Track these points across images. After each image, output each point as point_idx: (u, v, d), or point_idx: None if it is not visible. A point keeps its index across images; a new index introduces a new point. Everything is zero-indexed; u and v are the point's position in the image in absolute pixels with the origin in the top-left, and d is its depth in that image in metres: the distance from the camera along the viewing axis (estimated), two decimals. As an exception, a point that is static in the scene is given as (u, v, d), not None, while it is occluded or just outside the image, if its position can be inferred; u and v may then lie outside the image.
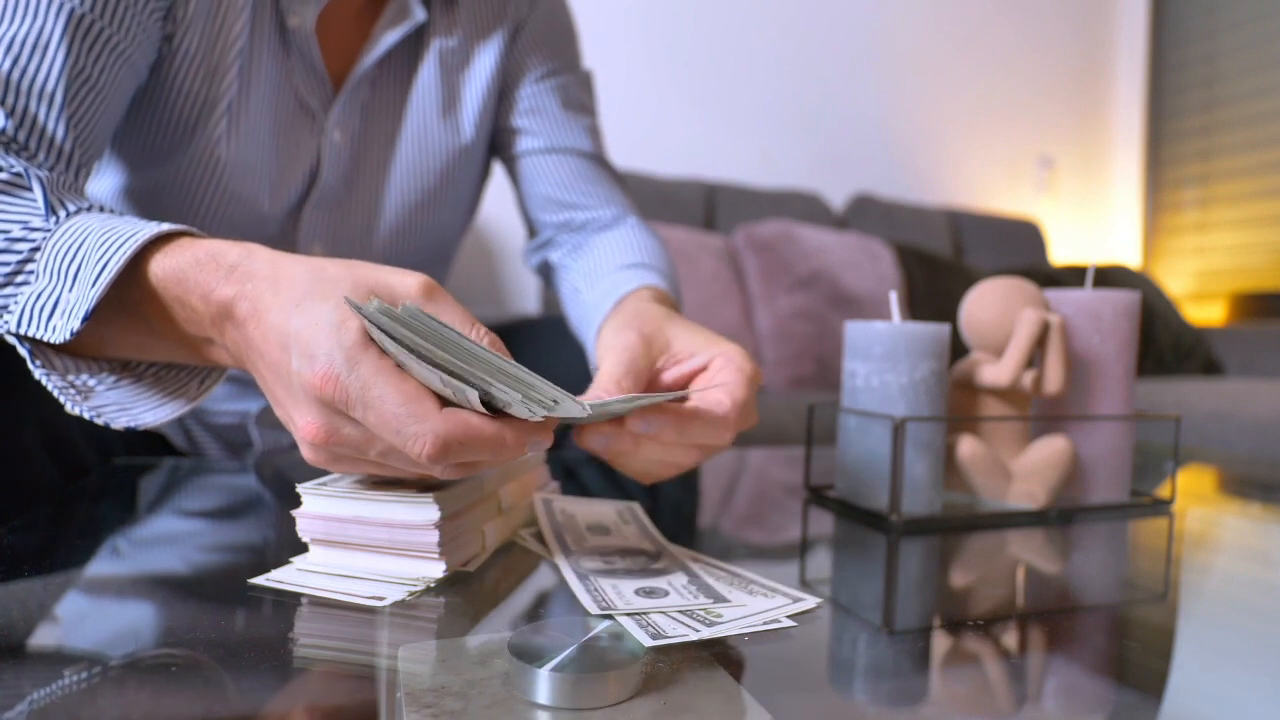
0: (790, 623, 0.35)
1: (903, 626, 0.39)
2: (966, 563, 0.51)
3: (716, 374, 0.47)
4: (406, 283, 0.37)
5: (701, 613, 0.35)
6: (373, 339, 0.34)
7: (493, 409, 0.35)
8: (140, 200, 0.69)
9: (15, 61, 0.52)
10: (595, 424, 0.42)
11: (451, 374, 0.33)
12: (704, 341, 0.50)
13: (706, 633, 0.33)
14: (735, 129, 2.47)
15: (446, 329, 0.34)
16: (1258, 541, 0.60)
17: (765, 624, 0.35)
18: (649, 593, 0.37)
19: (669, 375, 0.49)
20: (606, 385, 0.45)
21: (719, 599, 0.37)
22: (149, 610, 0.37)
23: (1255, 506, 0.72)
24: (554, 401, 0.34)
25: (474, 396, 0.33)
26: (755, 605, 0.37)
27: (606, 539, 0.46)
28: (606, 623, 0.32)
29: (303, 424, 0.35)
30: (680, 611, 0.35)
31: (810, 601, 0.38)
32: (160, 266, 0.42)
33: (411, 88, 0.75)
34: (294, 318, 0.35)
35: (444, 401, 0.34)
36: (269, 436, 0.80)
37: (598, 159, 0.83)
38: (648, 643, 0.31)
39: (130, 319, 0.44)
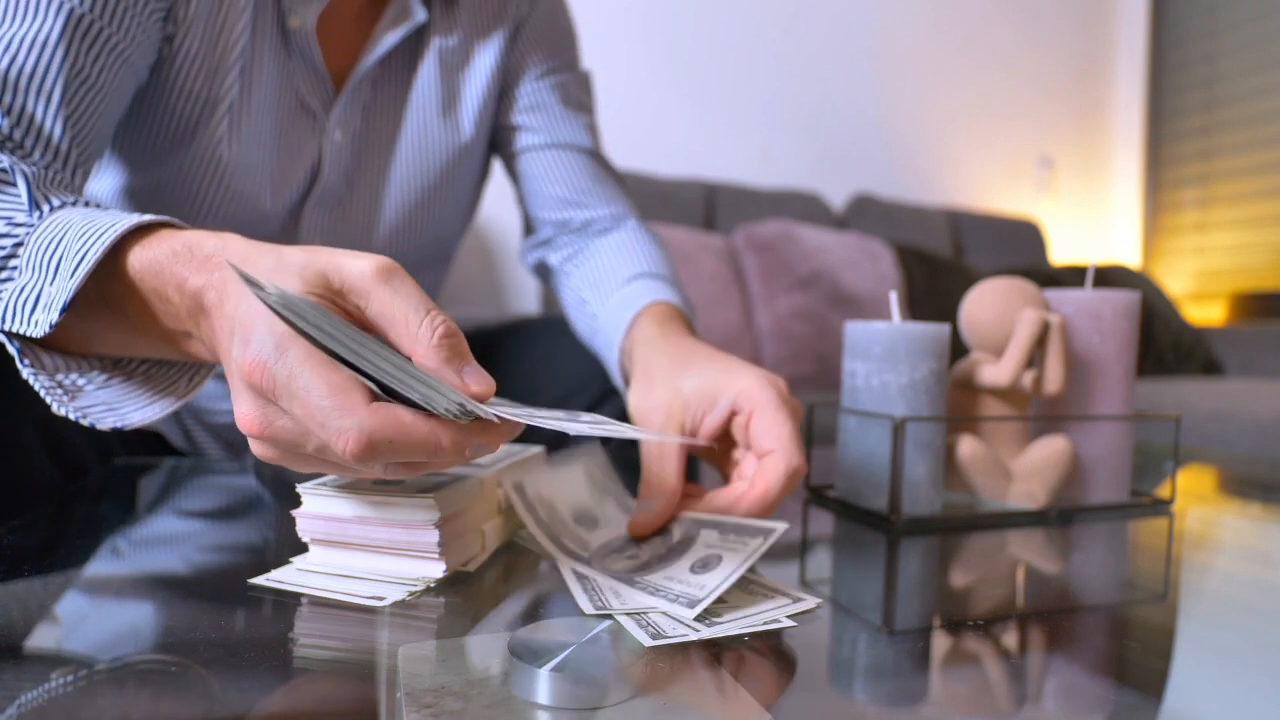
0: (790, 622, 0.35)
1: (903, 626, 0.39)
2: (966, 563, 0.51)
3: (757, 429, 0.47)
4: (360, 265, 0.35)
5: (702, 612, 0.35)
6: None
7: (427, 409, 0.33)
8: (141, 200, 0.69)
9: (14, 60, 0.52)
10: (646, 524, 0.45)
11: (348, 363, 0.32)
12: (716, 380, 0.50)
13: (706, 633, 0.33)
14: (735, 129, 2.47)
15: (351, 328, 0.33)
16: (1258, 541, 0.60)
17: (765, 624, 0.35)
18: (704, 565, 0.38)
19: (704, 430, 0.50)
20: (663, 490, 0.46)
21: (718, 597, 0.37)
22: (149, 610, 0.37)
23: (1255, 506, 0.72)
24: (459, 405, 0.32)
25: (369, 383, 0.32)
26: (755, 605, 0.37)
27: (599, 531, 0.46)
28: (607, 622, 0.32)
29: (239, 414, 0.34)
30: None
31: (810, 602, 0.37)
32: (138, 258, 0.41)
33: (412, 87, 0.75)
34: (242, 303, 0.34)
35: (375, 396, 0.33)
36: (269, 436, 0.80)
37: (597, 156, 0.84)
38: (647, 642, 0.31)
39: (113, 314, 0.44)
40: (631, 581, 0.38)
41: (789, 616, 0.36)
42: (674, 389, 0.51)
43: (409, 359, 0.33)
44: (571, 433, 0.33)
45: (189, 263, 0.39)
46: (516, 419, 0.33)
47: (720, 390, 0.49)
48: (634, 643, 0.31)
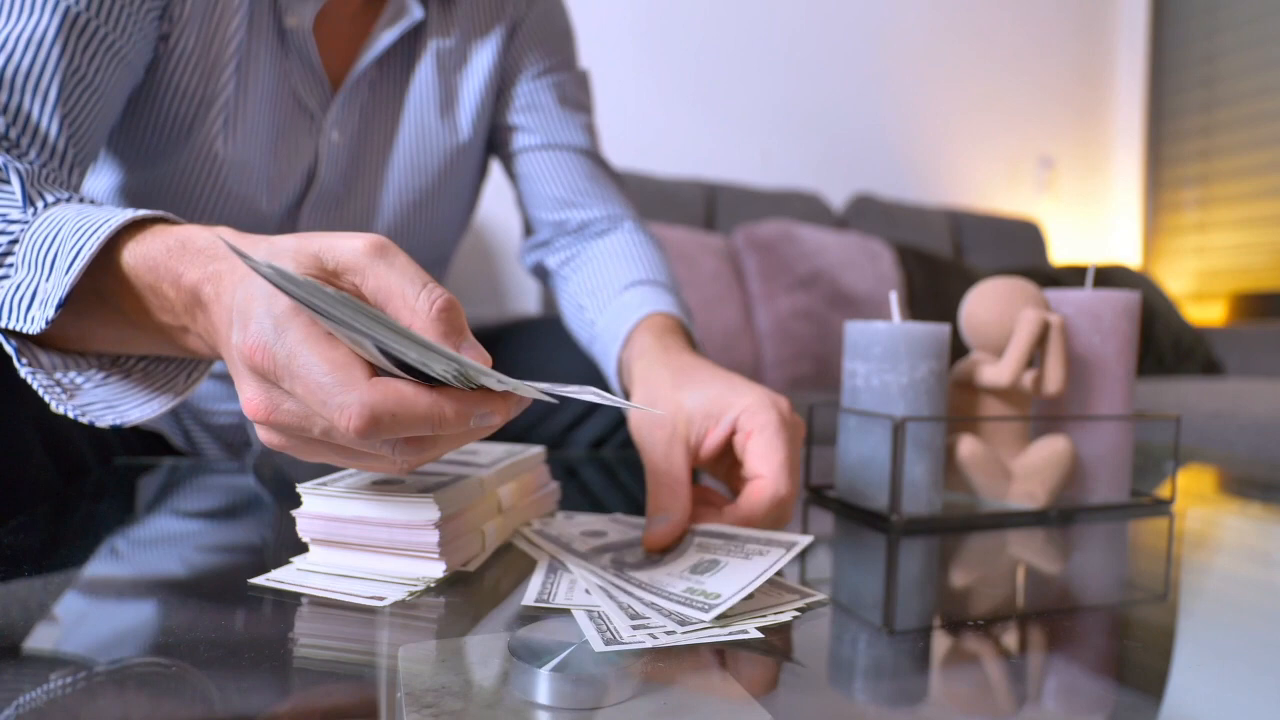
0: (758, 634, 0.34)
1: (903, 626, 0.39)
2: (966, 563, 0.51)
3: (752, 451, 0.47)
4: (353, 243, 0.34)
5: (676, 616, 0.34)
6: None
7: (430, 380, 0.32)
8: (137, 200, 0.69)
9: (10, 59, 0.52)
10: (664, 535, 0.44)
11: (347, 328, 0.31)
12: (721, 397, 0.49)
13: (665, 641, 0.32)
14: (736, 129, 2.47)
15: (347, 297, 0.31)
16: (1258, 541, 0.60)
17: (731, 635, 0.33)
18: (698, 568, 0.37)
19: (707, 447, 0.49)
20: (676, 495, 0.46)
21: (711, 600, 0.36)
22: (149, 610, 0.37)
23: (1255, 506, 0.72)
24: (456, 367, 0.31)
25: (369, 345, 0.30)
26: (730, 615, 0.35)
27: (605, 540, 0.46)
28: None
29: (244, 400, 0.34)
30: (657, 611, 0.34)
31: (788, 614, 0.36)
32: (132, 255, 0.41)
33: (409, 88, 0.75)
34: (239, 291, 0.34)
35: (376, 371, 0.32)
36: (269, 436, 0.80)
37: (594, 156, 0.84)
38: (599, 647, 0.30)
39: (108, 310, 0.44)
40: (627, 578, 0.38)
41: (759, 629, 0.34)
42: (677, 404, 0.51)
43: (406, 327, 0.32)
44: (566, 394, 0.32)
45: (183, 257, 0.39)
46: (514, 389, 0.32)
47: (724, 408, 0.49)
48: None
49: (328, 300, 0.30)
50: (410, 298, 0.33)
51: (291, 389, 0.32)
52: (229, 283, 0.36)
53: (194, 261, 0.39)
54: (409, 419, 0.31)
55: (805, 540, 0.37)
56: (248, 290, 0.34)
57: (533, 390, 0.32)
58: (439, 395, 0.32)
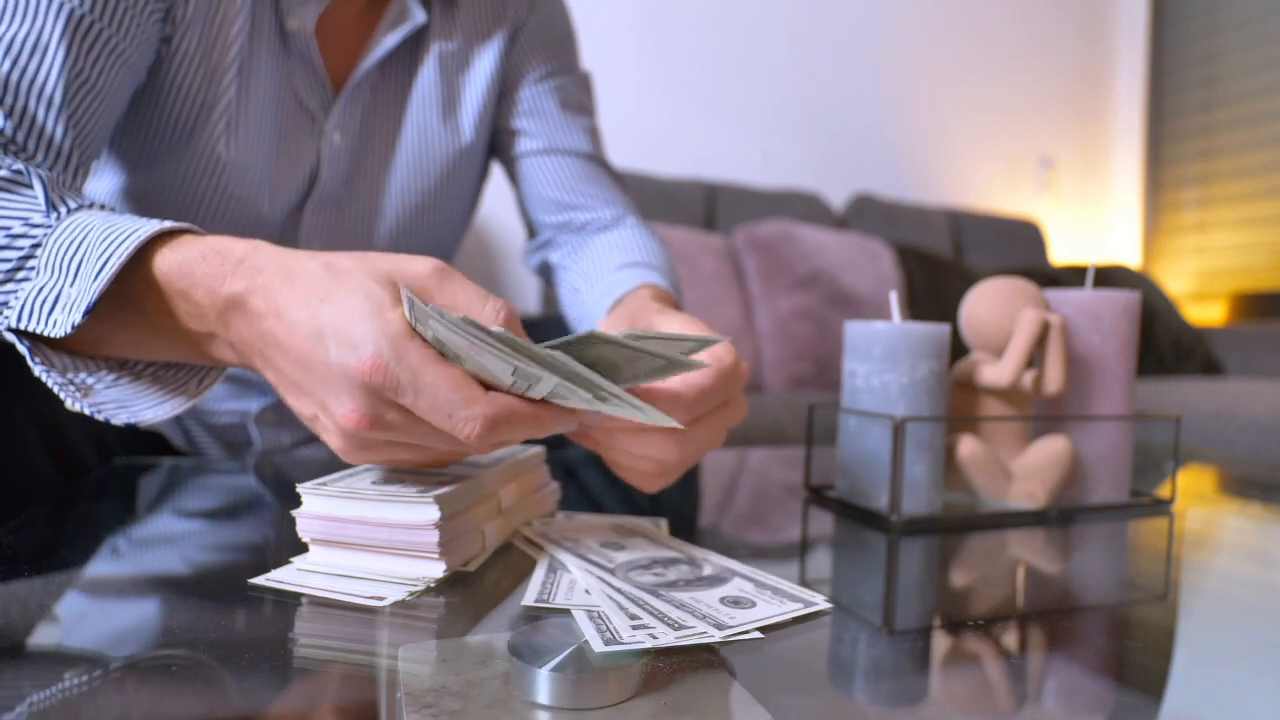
0: (759, 634, 0.33)
1: (903, 626, 0.39)
2: (966, 563, 0.51)
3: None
4: (418, 268, 0.38)
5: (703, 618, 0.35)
6: (414, 329, 0.36)
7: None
8: (139, 201, 0.69)
9: (14, 62, 0.52)
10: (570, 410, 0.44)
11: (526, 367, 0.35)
12: (692, 330, 0.48)
13: (663, 641, 0.31)
14: (736, 129, 2.47)
15: (500, 335, 0.36)
16: (1258, 541, 0.60)
17: (733, 636, 0.33)
18: (735, 602, 0.37)
19: None
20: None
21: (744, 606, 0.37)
22: (149, 610, 0.37)
23: (1255, 506, 0.72)
24: (615, 398, 0.37)
25: (550, 383, 0.35)
26: (730, 618, 0.35)
27: (624, 553, 0.46)
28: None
29: (343, 412, 0.36)
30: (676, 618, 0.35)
31: (787, 615, 0.37)
32: (165, 261, 0.42)
33: (412, 90, 0.75)
34: (323, 311, 0.36)
35: (485, 386, 0.37)
36: (269, 436, 0.80)
37: (597, 160, 0.84)
38: (599, 647, 0.30)
39: (131, 314, 0.44)
40: (657, 594, 0.38)
41: (759, 629, 0.34)
42: (649, 323, 0.50)
43: (560, 353, 0.37)
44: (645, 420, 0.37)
45: (220, 266, 0.40)
46: (619, 413, 0.37)
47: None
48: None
49: (493, 343, 0.35)
50: (478, 311, 0.38)
51: (413, 404, 0.36)
52: (291, 299, 0.38)
53: (235, 272, 0.40)
54: (520, 426, 0.37)
55: (822, 600, 0.38)
56: (337, 311, 0.36)
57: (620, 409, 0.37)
58: (539, 407, 0.37)
